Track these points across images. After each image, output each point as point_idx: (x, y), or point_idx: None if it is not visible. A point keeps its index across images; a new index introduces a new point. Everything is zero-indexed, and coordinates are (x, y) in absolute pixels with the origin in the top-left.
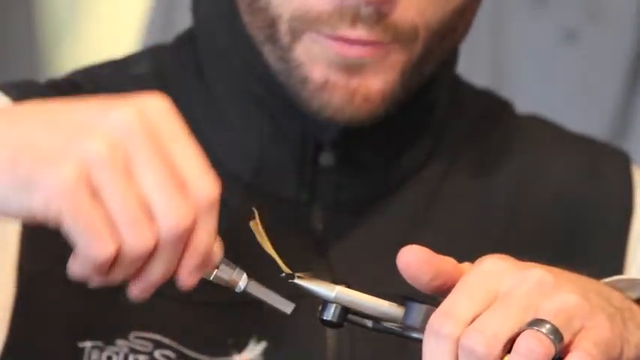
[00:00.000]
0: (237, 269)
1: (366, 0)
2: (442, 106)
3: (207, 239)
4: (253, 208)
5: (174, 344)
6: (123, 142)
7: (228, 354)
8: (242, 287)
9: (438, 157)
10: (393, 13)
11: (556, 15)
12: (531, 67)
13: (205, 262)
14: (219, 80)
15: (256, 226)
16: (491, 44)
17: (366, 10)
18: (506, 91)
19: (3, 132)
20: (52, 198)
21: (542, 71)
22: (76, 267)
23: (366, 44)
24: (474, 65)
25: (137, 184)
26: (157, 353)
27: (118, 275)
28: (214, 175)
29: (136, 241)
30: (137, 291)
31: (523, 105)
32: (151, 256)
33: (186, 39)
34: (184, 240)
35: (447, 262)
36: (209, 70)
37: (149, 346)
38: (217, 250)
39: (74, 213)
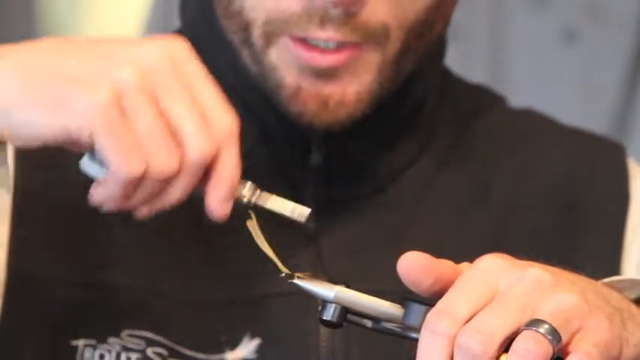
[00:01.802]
0: (249, 184)
1: (334, 1)
2: (432, 101)
3: (231, 168)
4: (250, 212)
5: (166, 342)
6: (152, 73)
7: (221, 351)
8: (259, 202)
9: (430, 153)
10: (361, 13)
11: (556, 15)
12: (531, 67)
13: (232, 191)
14: None
15: (253, 227)
16: (491, 44)
17: (334, 11)
18: (506, 91)
19: (30, 57)
20: (87, 117)
21: (542, 71)
22: (100, 190)
23: (337, 51)
24: (474, 65)
25: (165, 112)
26: (149, 351)
27: (138, 197)
28: (232, 111)
29: (163, 162)
30: (146, 211)
31: (523, 105)
32: (171, 179)
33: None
34: (205, 167)
35: (447, 266)
36: None
37: (142, 344)
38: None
39: (108, 131)
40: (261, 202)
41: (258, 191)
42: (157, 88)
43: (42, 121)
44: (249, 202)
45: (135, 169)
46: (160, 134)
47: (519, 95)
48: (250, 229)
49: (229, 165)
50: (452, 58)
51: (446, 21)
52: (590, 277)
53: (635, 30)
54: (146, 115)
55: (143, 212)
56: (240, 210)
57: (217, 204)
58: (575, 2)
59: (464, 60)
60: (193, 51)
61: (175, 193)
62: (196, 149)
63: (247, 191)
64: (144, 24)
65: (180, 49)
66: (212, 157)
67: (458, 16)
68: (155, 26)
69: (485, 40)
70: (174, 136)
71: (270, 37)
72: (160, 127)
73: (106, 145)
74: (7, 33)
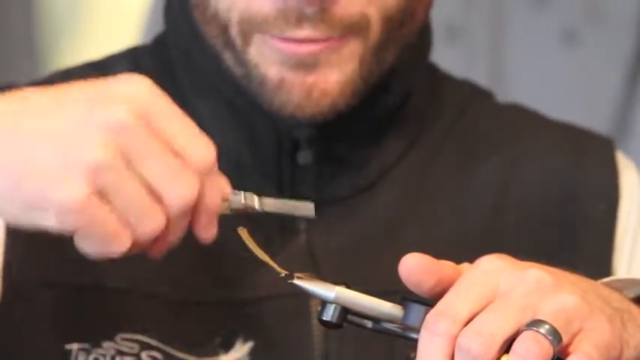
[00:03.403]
0: (244, 194)
1: (308, 0)
2: (420, 96)
3: (214, 198)
4: (240, 228)
5: (160, 345)
6: (121, 141)
7: (215, 354)
8: (258, 208)
9: (419, 148)
10: (337, 8)
11: (556, 15)
12: (531, 67)
13: (215, 216)
14: (190, 84)
15: (244, 234)
16: (491, 44)
17: (310, 10)
18: (505, 92)
19: None
20: (67, 215)
21: (542, 72)
22: (89, 250)
23: (313, 42)
24: (474, 65)
25: (141, 175)
26: (143, 354)
27: (132, 251)
28: (207, 139)
29: (149, 227)
30: (154, 254)
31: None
32: (164, 228)
33: (163, 40)
34: (192, 207)
35: (448, 267)
36: (180, 74)
37: (136, 348)
38: (226, 189)
39: (90, 225)
40: (264, 208)
41: (257, 198)
42: (129, 153)
43: (19, 221)
44: (253, 209)
45: (121, 248)
46: (141, 204)
47: (519, 95)
48: (241, 235)
49: (210, 196)
50: (452, 58)
51: (427, 9)
52: (581, 273)
53: (635, 30)
54: (124, 191)
55: (153, 255)
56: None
57: (202, 231)
58: (575, 2)
59: (464, 60)
60: (154, 85)
61: (173, 236)
62: (177, 202)
63: (248, 201)
64: (143, 24)
65: (144, 91)
66: (196, 197)
67: (458, 16)
68: (154, 27)
69: (486, 40)
70: (154, 194)
71: (246, 35)
72: (140, 196)
73: (89, 238)
74: (7, 33)
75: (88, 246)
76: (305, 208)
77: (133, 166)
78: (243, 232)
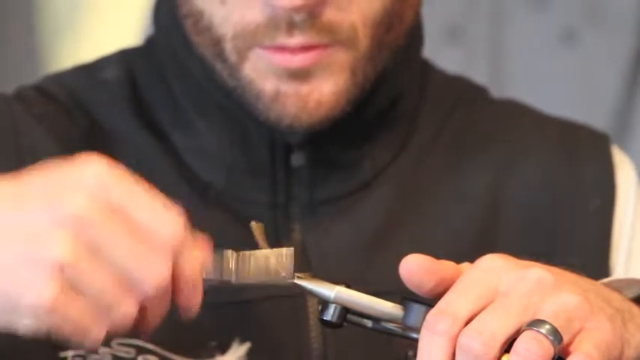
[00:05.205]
0: (223, 253)
1: (295, 7)
2: (412, 95)
3: (192, 269)
4: (253, 223)
5: (157, 349)
6: (84, 234)
7: (211, 356)
8: (234, 282)
9: (413, 147)
10: (325, 14)
11: (556, 15)
12: (531, 67)
13: (197, 289)
14: (183, 90)
15: (257, 228)
16: (491, 44)
17: (298, 17)
18: (505, 92)
19: None
20: (41, 317)
21: (542, 71)
22: (68, 341)
23: (308, 50)
24: (474, 65)
25: (108, 264)
26: (140, 359)
27: (113, 334)
28: (173, 210)
29: (122, 314)
30: (142, 334)
31: None
32: (145, 309)
33: (154, 42)
34: (169, 286)
35: (449, 267)
36: (172, 80)
37: (132, 352)
38: (204, 261)
39: (64, 322)
40: (240, 281)
41: (235, 255)
42: (93, 244)
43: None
44: (228, 283)
45: (97, 338)
46: (110, 292)
47: (519, 95)
48: (253, 229)
49: (186, 270)
50: (452, 58)
51: (416, 9)
52: (578, 271)
53: (635, 30)
54: (93, 282)
55: (142, 336)
56: (227, 216)
57: (185, 302)
58: (574, 2)
59: (464, 60)
60: (112, 165)
61: (157, 314)
62: (149, 287)
63: (224, 274)
64: (144, 24)
65: (102, 176)
66: (170, 276)
67: (458, 16)
68: None
69: (486, 40)
70: (126, 279)
71: (242, 52)
72: (108, 285)
73: (65, 332)
74: (7, 34)
75: (66, 338)
76: (284, 263)
77: (99, 256)
78: (257, 227)
